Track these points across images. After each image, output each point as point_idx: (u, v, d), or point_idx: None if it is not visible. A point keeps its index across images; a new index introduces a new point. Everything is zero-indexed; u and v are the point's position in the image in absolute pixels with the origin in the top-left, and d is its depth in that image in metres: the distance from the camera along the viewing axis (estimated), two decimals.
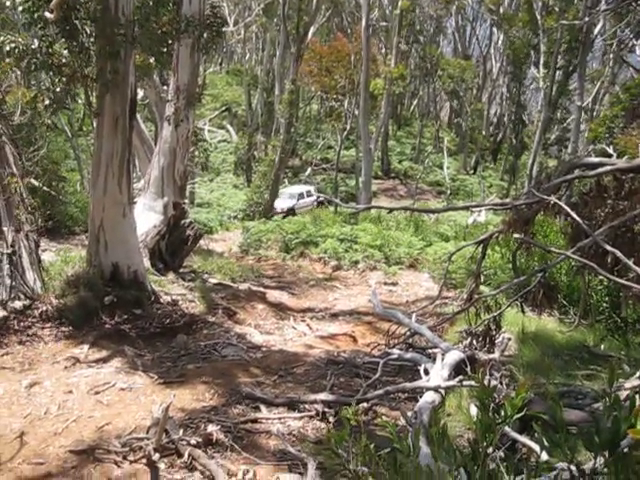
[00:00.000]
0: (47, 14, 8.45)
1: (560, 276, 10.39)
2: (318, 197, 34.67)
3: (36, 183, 10.85)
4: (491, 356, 7.02)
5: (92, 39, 9.46)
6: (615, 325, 8.99)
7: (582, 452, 2.96)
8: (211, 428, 5.87)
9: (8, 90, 10.02)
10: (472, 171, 52.51)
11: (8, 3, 9.41)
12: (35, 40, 9.10)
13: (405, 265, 17.53)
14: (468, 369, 6.60)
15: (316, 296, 14.90)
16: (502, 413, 3.01)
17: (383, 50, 52.97)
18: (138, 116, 14.16)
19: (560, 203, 6.87)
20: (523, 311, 9.19)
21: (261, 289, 14.33)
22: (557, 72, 33.80)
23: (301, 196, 35.08)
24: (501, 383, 5.89)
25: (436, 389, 6.07)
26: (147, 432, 5.83)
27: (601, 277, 8.54)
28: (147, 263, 12.48)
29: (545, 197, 6.88)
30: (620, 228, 7.02)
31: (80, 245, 15.98)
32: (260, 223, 25.08)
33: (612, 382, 2.57)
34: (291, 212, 31.90)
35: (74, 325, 9.38)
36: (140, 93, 14.77)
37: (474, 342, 7.62)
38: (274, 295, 14.02)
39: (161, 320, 10.09)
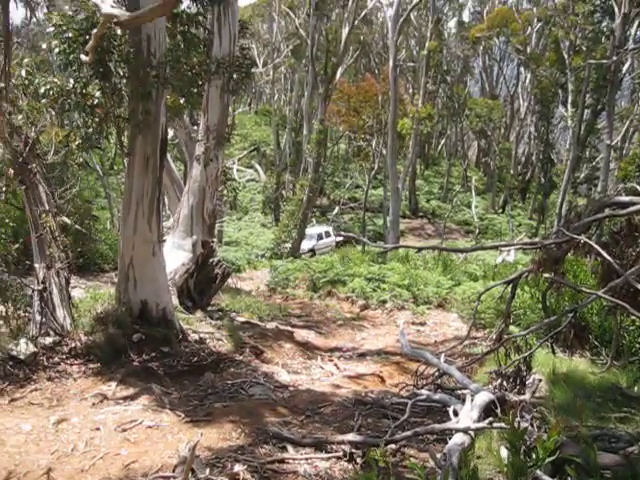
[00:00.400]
0: (82, 56, 8.64)
1: (591, 316, 10.23)
2: (337, 237, 35.05)
3: (68, 221, 10.99)
4: (522, 397, 6.90)
5: (125, 80, 9.65)
6: None
7: None
8: (238, 468, 5.81)
9: (42, 130, 10.22)
10: (500, 210, 52.39)
11: (44, 46, 9.66)
12: (70, 81, 9.31)
13: (433, 305, 17.39)
14: (498, 411, 6.49)
15: (344, 335, 14.82)
16: (534, 456, 2.95)
17: (410, 90, 53.46)
18: (168, 155, 14.37)
19: (590, 242, 6.80)
20: (554, 352, 9.05)
21: (289, 328, 14.29)
22: (585, 111, 33.76)
23: (320, 237, 35.69)
24: (532, 425, 5.78)
25: (465, 431, 5.96)
26: (174, 471, 5.80)
27: (633, 317, 8.41)
28: (175, 301, 12.53)
29: (575, 236, 6.81)
30: None
31: (109, 282, 16.12)
32: (288, 262, 25.16)
33: None
34: (311, 253, 32.26)
35: (102, 362, 9.40)
36: (170, 133, 14.99)
37: (504, 383, 7.50)
38: (301, 334, 13.97)
39: (189, 358, 10.08)
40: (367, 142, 41.91)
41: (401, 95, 41.90)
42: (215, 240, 16.66)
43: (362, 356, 12.66)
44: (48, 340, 9.34)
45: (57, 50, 9.03)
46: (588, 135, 35.96)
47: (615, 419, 6.34)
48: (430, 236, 45.81)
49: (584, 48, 33.64)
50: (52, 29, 9.05)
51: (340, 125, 44.39)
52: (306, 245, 33.99)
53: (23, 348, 8.96)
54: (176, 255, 13.67)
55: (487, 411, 6.52)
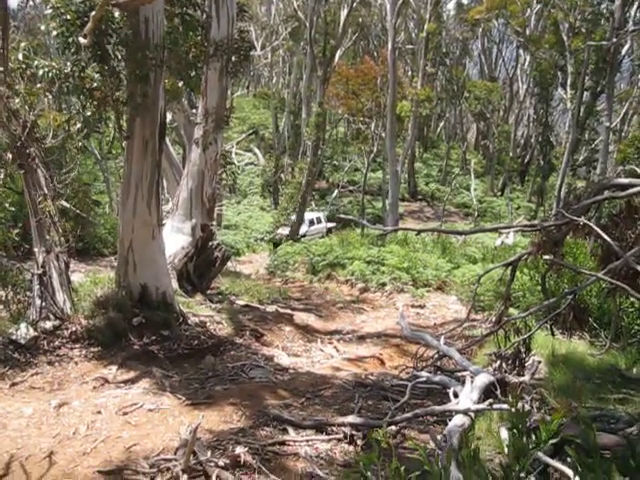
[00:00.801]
0: (80, 39, 8.59)
1: (591, 298, 10.26)
2: (328, 223, 35.31)
3: (67, 205, 10.97)
4: (521, 379, 6.93)
5: (123, 63, 9.61)
6: None
7: (616, 477, 2.90)
8: (239, 450, 5.83)
9: (40, 114, 10.18)
10: (499, 193, 52.34)
11: (42, 27, 9.60)
12: (68, 64, 9.27)
13: (433, 287, 17.43)
14: (498, 392, 6.53)
15: (343, 318, 14.87)
16: (534, 437, 2.96)
17: (409, 73, 53.21)
18: (167, 139, 14.32)
19: (590, 224, 6.79)
20: (553, 334, 9.08)
21: (288, 311, 14.33)
22: (585, 93, 33.67)
23: (312, 222, 35.34)
24: (532, 407, 5.81)
25: (466, 412, 5.99)
26: (175, 453, 5.82)
27: (633, 299, 8.43)
28: (175, 284, 12.55)
29: (575, 218, 6.81)
30: None
31: (109, 267, 16.16)
32: (287, 245, 25.16)
33: None
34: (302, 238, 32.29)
35: (103, 346, 9.43)
36: (169, 116, 14.94)
37: (504, 365, 7.53)
38: (301, 317, 14.00)
39: (189, 342, 10.11)
40: (366, 125, 41.73)
41: (400, 78, 41.70)
42: (214, 224, 16.66)
43: (362, 339, 12.70)
44: (48, 324, 9.36)
45: (55, 33, 8.98)
46: (587, 117, 35.90)
47: (614, 400, 6.38)
48: (429, 219, 45.81)
49: (583, 30, 33.45)
50: (50, 11, 8.99)
51: (339, 108, 44.13)
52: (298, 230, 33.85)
53: (23, 332, 8.98)
54: (175, 238, 13.67)
55: (487, 393, 6.56)
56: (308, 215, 36.30)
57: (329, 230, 34.69)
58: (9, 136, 9.56)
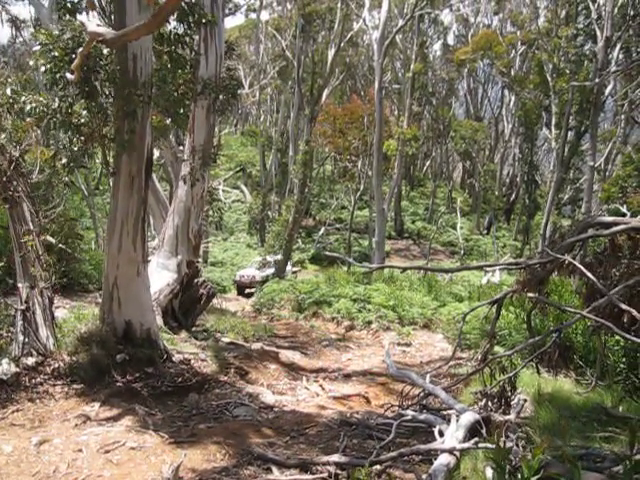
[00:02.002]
0: (68, 75, 8.65)
1: (576, 336, 10.27)
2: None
3: (52, 240, 10.91)
4: (507, 417, 6.89)
5: (110, 100, 9.65)
6: (633, 386, 8.82)
7: None
8: None
9: (27, 149, 10.18)
10: (485, 231, 52.69)
11: (31, 63, 9.65)
12: (56, 100, 9.30)
13: (419, 325, 17.40)
14: (484, 431, 6.48)
15: (329, 356, 14.78)
16: (519, 476, 2.94)
17: (396, 112, 53.79)
18: (154, 175, 14.35)
19: (574, 262, 6.83)
20: (539, 372, 9.06)
21: (274, 349, 14.23)
22: (569, 133, 34.18)
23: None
24: (517, 445, 5.77)
25: (451, 451, 5.94)
26: None
27: (618, 337, 8.44)
28: (160, 321, 12.46)
29: (559, 256, 6.84)
30: (636, 287, 6.95)
31: (93, 302, 16.00)
32: (273, 282, 25.10)
33: (632, 445, 2.52)
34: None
35: (86, 383, 9.31)
36: (156, 153, 14.99)
37: (489, 403, 7.49)
38: (287, 355, 13.91)
39: (173, 379, 9.99)
40: (353, 163, 42.07)
41: (386, 116, 42.17)
42: (200, 260, 16.62)
43: (348, 377, 12.61)
44: (31, 360, 9.23)
45: (43, 69, 9.03)
46: (572, 157, 36.36)
47: (600, 439, 6.33)
48: (415, 257, 45.94)
49: (567, 71, 34.09)
50: (39, 47, 9.06)
51: (326, 146, 44.54)
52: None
53: (5, 368, 8.85)
54: (161, 275, 13.61)
55: (473, 431, 6.51)
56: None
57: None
58: None
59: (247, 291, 30.70)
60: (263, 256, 34.91)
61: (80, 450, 7.05)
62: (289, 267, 34.01)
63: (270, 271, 32.51)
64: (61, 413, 8.53)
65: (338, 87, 55.47)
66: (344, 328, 17.95)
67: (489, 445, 5.56)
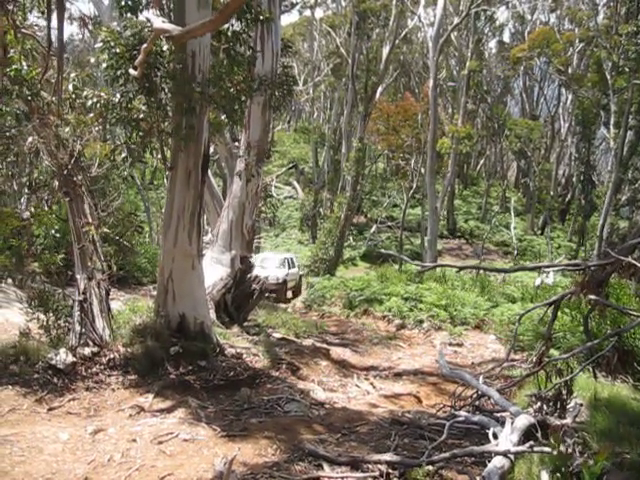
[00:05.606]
0: (131, 70, 8.79)
1: (635, 341, 10.02)
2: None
3: (110, 232, 11.12)
4: (563, 422, 6.76)
5: (170, 96, 9.77)
6: None
7: None
8: None
9: (87, 144, 10.39)
10: (540, 232, 51.82)
11: (92, 60, 9.84)
12: (117, 95, 9.47)
13: (471, 326, 17.24)
14: (539, 434, 6.37)
15: (380, 354, 14.73)
16: None
17: (450, 110, 53.31)
18: (209, 171, 14.50)
19: (636, 263, 6.66)
20: (595, 376, 8.87)
21: (324, 345, 14.25)
22: (628, 132, 33.31)
23: (288, 264, 28.58)
24: (574, 450, 5.66)
25: (505, 454, 5.85)
26: None
27: None
28: (213, 315, 12.58)
29: (621, 257, 6.69)
30: None
31: (147, 295, 16.25)
32: (324, 279, 25.13)
33: None
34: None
35: (140, 374, 9.46)
36: (211, 149, 15.14)
37: (544, 407, 7.36)
38: (337, 352, 13.91)
39: (225, 373, 10.08)
40: (406, 161, 41.83)
41: (440, 114, 41.82)
42: (253, 256, 16.70)
43: (398, 375, 12.55)
44: (87, 350, 9.43)
45: (105, 65, 9.19)
46: (631, 157, 35.43)
47: None
48: (468, 257, 45.42)
49: (627, 69, 33.22)
50: (100, 44, 9.21)
51: (379, 144, 44.35)
52: (274, 273, 25.85)
53: (62, 358, 9.05)
54: (214, 269, 13.74)
55: (527, 435, 6.40)
56: (281, 255, 29.94)
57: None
58: (56, 164, 9.76)
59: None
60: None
61: (134, 440, 7.14)
62: (295, 270, 29.01)
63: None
64: (116, 403, 8.68)
65: (392, 84, 55.30)
66: (395, 327, 17.89)
67: (545, 449, 5.46)
